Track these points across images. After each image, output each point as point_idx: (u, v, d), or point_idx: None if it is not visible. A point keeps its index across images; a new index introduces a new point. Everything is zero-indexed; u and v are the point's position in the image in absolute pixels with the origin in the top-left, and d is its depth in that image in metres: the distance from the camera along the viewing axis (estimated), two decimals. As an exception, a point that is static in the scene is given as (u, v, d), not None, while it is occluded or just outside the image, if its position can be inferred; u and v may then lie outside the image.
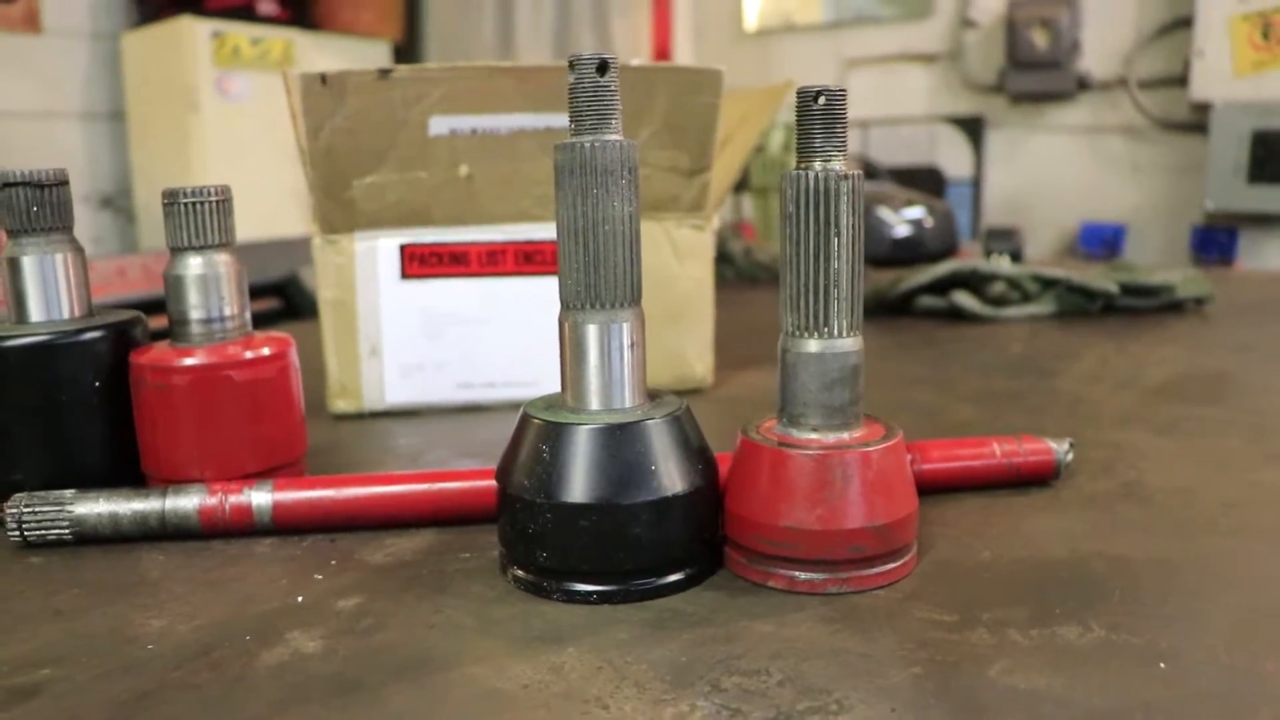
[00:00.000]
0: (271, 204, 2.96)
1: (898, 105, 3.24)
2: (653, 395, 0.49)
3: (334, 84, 0.67)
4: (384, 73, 0.68)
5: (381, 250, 0.74)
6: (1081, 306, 1.10)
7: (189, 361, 0.54)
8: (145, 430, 0.55)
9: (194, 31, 2.90)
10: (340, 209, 0.72)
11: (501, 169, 0.73)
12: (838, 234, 0.46)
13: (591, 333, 0.46)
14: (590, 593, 0.46)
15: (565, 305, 0.47)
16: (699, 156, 0.75)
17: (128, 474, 0.57)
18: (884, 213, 1.51)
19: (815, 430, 0.47)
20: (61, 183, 0.56)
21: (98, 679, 0.40)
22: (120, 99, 3.16)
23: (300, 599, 0.46)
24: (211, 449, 0.55)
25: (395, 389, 0.76)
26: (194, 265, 0.55)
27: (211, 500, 0.52)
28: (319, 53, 3.15)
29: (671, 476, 0.46)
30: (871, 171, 1.73)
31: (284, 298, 1.39)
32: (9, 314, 0.57)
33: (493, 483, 0.53)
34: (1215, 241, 2.38)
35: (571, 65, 0.45)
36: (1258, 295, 1.29)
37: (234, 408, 0.55)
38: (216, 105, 2.95)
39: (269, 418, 0.56)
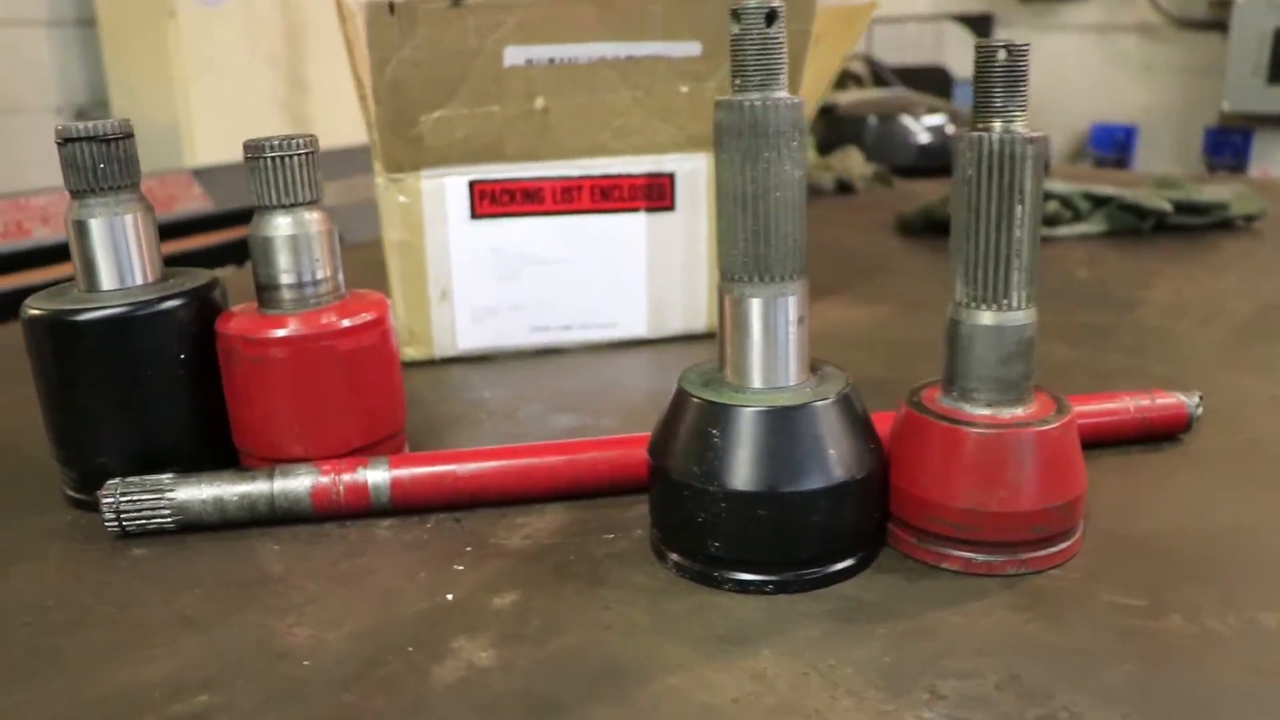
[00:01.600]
0: (257, 113, 2.82)
1: (903, 2, 3.14)
2: (813, 367, 0.46)
3: (403, 13, 0.61)
4: (456, 2, 0.62)
5: (450, 188, 0.69)
6: (1133, 225, 1.07)
7: (285, 332, 0.50)
8: (239, 405, 0.51)
9: None
10: (406, 146, 0.67)
11: (579, 101, 0.68)
12: (1021, 200, 0.42)
13: (756, 307, 0.43)
14: (764, 583, 0.43)
15: (726, 276, 0.43)
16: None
17: (218, 449, 0.53)
18: (906, 120, 1.46)
19: (989, 405, 0.44)
20: (127, 135, 0.51)
21: (262, 707, 0.36)
22: (90, 5, 2.98)
23: (450, 596, 0.43)
24: (313, 423, 0.51)
25: (467, 334, 0.72)
26: (283, 225, 0.50)
27: (324, 480, 0.49)
28: None
29: (847, 460, 0.43)
30: (879, 75, 1.68)
31: None
32: (79, 281, 0.52)
33: (628, 454, 0.50)
34: (1229, 144, 2.35)
35: (736, 15, 0.40)
36: None
37: (336, 379, 0.51)
38: (194, 10, 2.79)
39: (372, 387, 0.52)
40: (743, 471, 0.42)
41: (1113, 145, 2.49)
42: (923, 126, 1.47)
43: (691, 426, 0.43)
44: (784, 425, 0.42)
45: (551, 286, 0.71)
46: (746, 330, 0.43)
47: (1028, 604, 0.42)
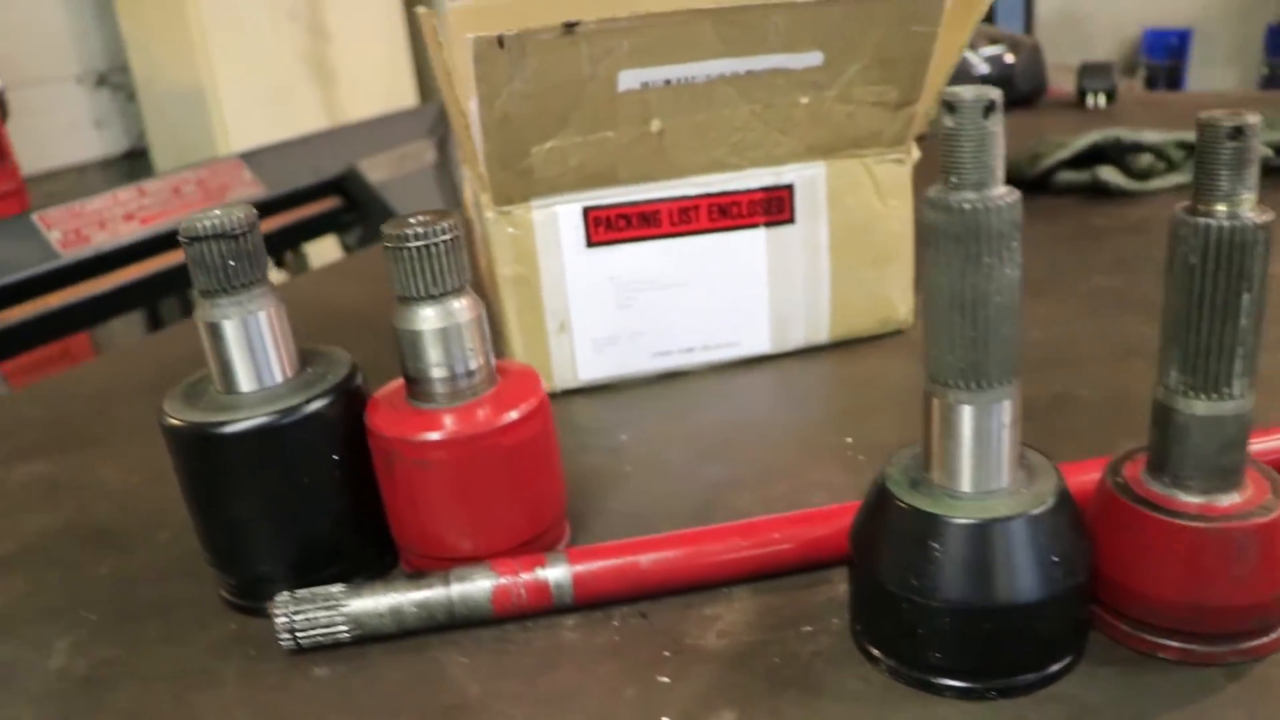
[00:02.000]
0: (281, 69, 2.74)
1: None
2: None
3: (513, 45, 0.57)
4: (569, 27, 0.58)
5: (562, 217, 0.65)
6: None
7: (444, 434, 0.47)
8: (401, 506, 0.49)
9: None
10: (516, 179, 0.63)
11: (696, 120, 0.64)
12: (1249, 289, 0.39)
13: (969, 414, 0.40)
14: (986, 690, 0.41)
15: (936, 380, 0.40)
16: (909, 89, 0.67)
17: (378, 545, 0.51)
18: (964, 54, 1.40)
19: (1204, 493, 0.42)
20: (252, 226, 0.48)
21: None
22: None
23: (665, 719, 0.41)
24: (481, 520, 0.49)
25: (588, 364, 0.69)
26: (431, 318, 0.48)
27: (504, 582, 0.47)
28: None
29: (1069, 564, 0.41)
30: None
31: (343, 194, 1.28)
32: (215, 380, 0.49)
33: (816, 535, 0.49)
34: (1294, 43, 2.26)
35: (950, 107, 0.37)
36: None
37: (501, 475, 0.49)
38: None
39: (537, 477, 0.50)
40: (968, 587, 0.40)
41: (1166, 52, 2.38)
42: (981, 58, 1.41)
43: (906, 534, 0.41)
44: (1008, 538, 0.40)
45: (671, 310, 0.68)
46: (958, 437, 0.41)
47: (1256, 697, 0.40)
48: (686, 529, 0.50)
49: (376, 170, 1.30)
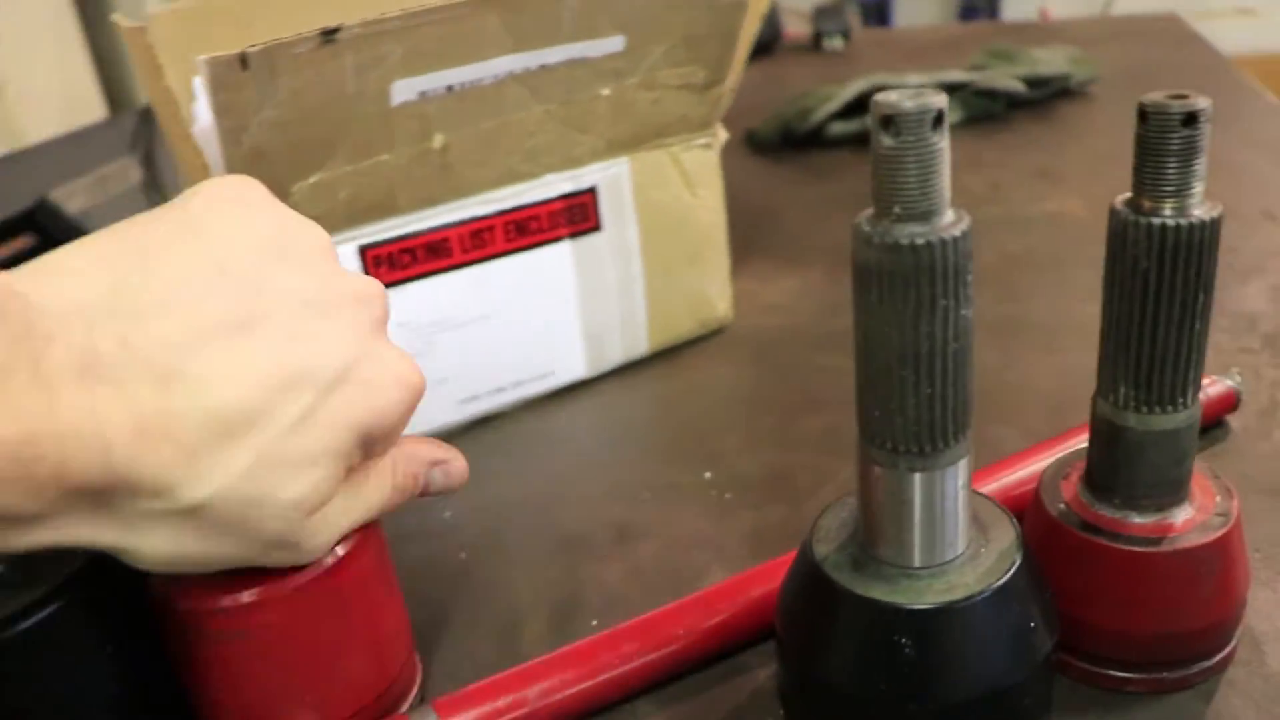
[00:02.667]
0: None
1: None
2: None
3: (259, 65, 0.46)
4: (328, 35, 0.47)
5: (338, 261, 0.54)
6: (988, 109, 1.02)
7: (258, 591, 0.36)
8: (214, 691, 0.38)
9: None
10: (277, 222, 0.52)
11: (484, 127, 0.54)
12: (1206, 291, 0.35)
13: (921, 482, 0.34)
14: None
15: (877, 444, 0.34)
16: (717, 68, 0.59)
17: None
18: None
19: (1159, 510, 0.38)
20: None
21: None
22: None
23: None
24: (324, 681, 0.38)
25: (387, 428, 0.58)
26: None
27: None
28: None
29: (1048, 623, 0.36)
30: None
31: (37, 231, 1.07)
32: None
33: (714, 624, 0.42)
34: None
35: (888, 123, 0.30)
36: (1127, 61, 1.22)
37: (339, 624, 0.38)
38: None
39: (381, 614, 0.40)
40: (952, 681, 0.34)
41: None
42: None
43: (865, 631, 0.35)
44: (986, 615, 0.34)
45: (475, 349, 0.59)
46: (910, 508, 0.34)
47: (1236, 710, 0.37)
48: (564, 645, 0.41)
49: (74, 199, 1.10)
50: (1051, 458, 0.50)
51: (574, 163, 0.59)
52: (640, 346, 0.65)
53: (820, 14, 1.38)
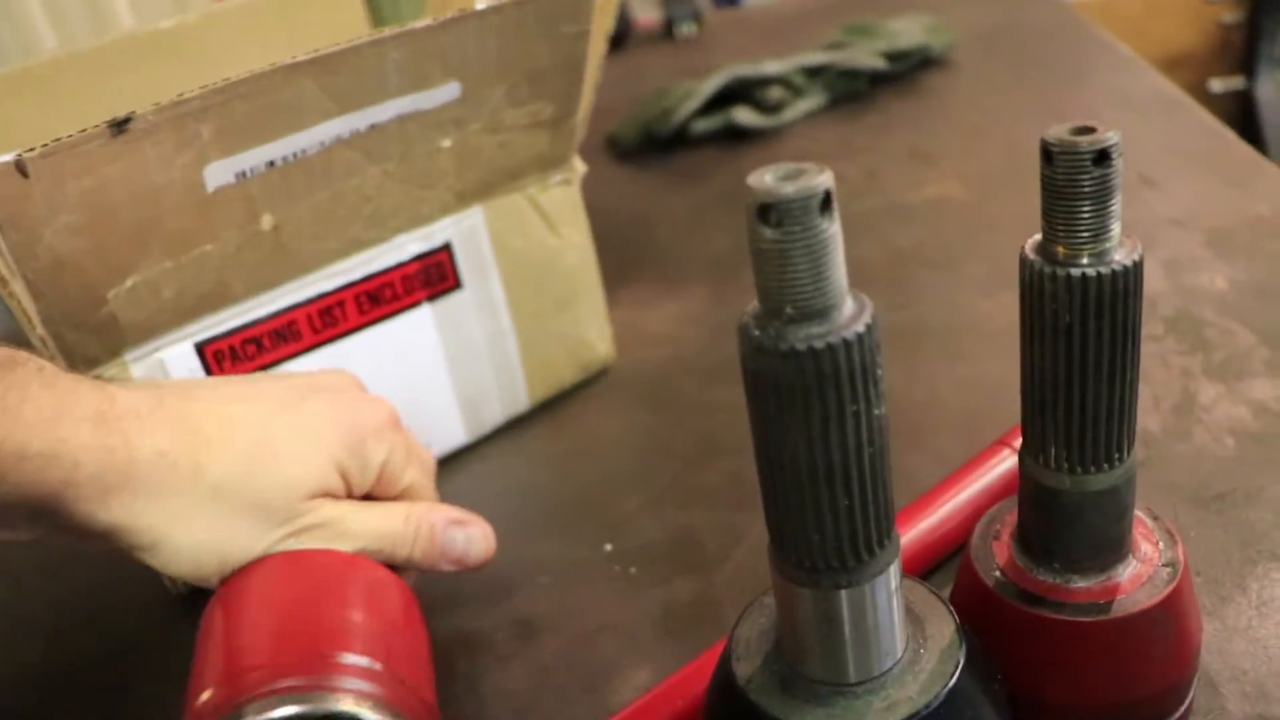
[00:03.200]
0: None
1: None
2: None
3: (42, 171, 0.40)
4: (119, 126, 0.41)
5: (170, 362, 0.48)
6: (851, 89, 1.00)
7: None
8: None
9: None
10: (92, 336, 0.46)
11: (317, 200, 0.49)
12: (1133, 339, 0.32)
13: (848, 599, 0.30)
14: None
15: (799, 568, 0.30)
16: (565, 102, 0.54)
17: None
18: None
19: (1103, 570, 0.35)
20: None
21: None
22: None
23: None
24: None
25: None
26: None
27: None
28: None
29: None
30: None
31: None
32: None
33: None
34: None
35: (767, 213, 0.25)
36: (980, 23, 1.20)
37: None
38: None
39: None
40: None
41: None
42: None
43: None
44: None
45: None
46: (838, 627, 0.30)
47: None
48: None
49: None
50: (970, 490, 0.48)
51: (423, 220, 0.54)
52: (521, 403, 0.61)
53: (670, 0, 1.34)
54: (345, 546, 0.40)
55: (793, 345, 0.26)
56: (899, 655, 0.32)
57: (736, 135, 0.95)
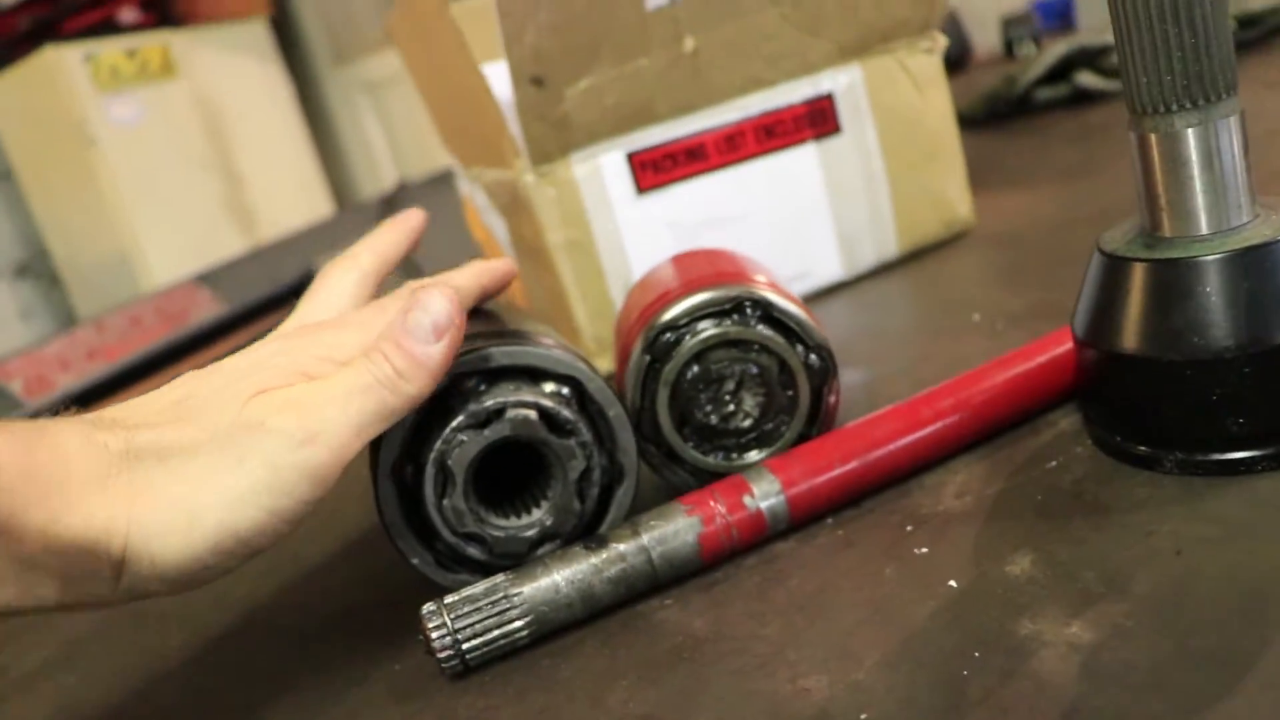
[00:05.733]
0: (202, 219, 2.67)
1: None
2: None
3: (532, -30, 0.53)
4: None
5: (607, 167, 0.60)
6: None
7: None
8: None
9: (63, 60, 2.53)
10: (552, 131, 0.58)
11: (727, 32, 0.60)
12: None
13: (1196, 137, 0.35)
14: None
15: (1151, 111, 0.35)
16: (931, -35, 0.63)
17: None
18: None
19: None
20: None
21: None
22: (3, 157, 2.77)
23: (953, 583, 0.34)
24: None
25: (661, 326, 0.63)
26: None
27: (712, 528, 0.39)
28: (198, 48, 2.82)
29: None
30: None
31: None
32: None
33: (1027, 375, 0.43)
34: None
35: None
36: None
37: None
38: (113, 133, 2.61)
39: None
40: (1263, 321, 0.34)
41: (1057, 16, 2.34)
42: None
43: (1165, 293, 0.35)
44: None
45: (737, 248, 0.63)
46: (1189, 168, 0.35)
47: None
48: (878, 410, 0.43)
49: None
50: None
51: (810, 68, 0.63)
52: (890, 248, 0.68)
53: (1009, 23, 1.40)
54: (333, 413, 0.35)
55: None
56: (1246, 217, 0.36)
57: (1079, 100, 1.00)
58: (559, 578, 0.38)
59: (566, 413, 0.39)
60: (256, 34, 3.04)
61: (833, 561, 0.38)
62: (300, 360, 0.37)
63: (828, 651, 0.33)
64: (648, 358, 0.42)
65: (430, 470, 0.38)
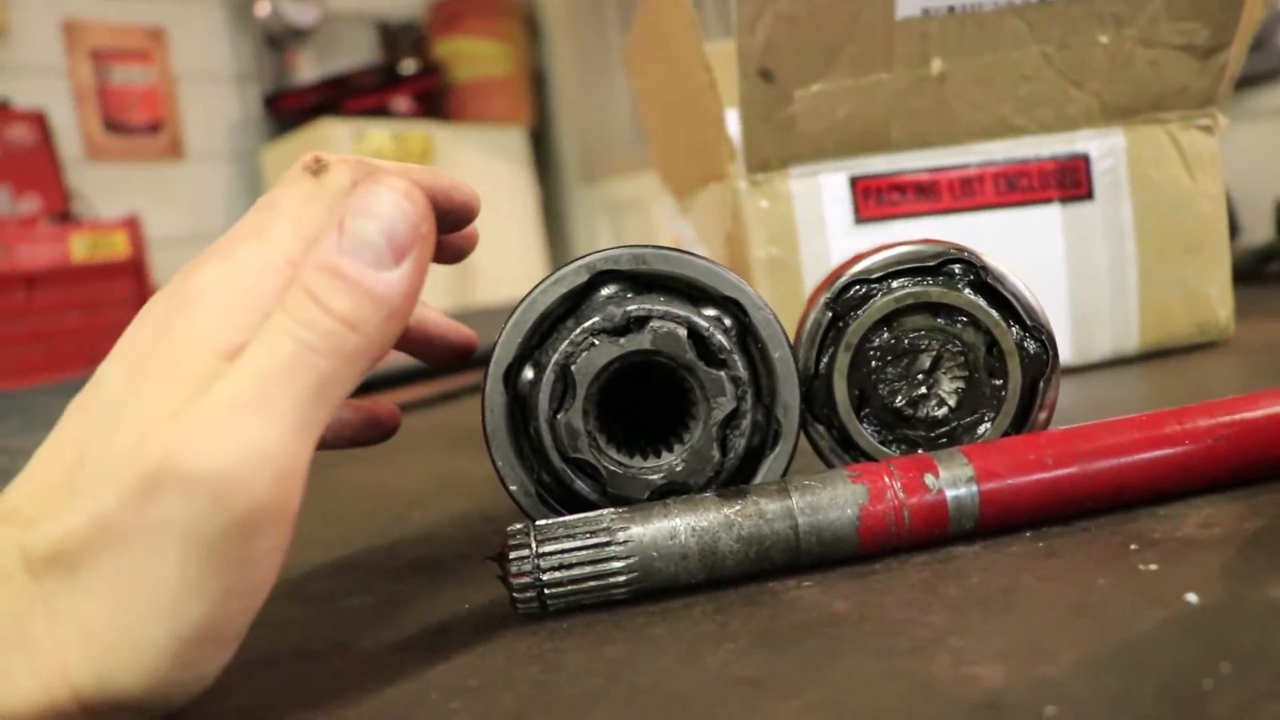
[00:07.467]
0: (430, 296, 2.79)
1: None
2: None
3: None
4: (848, -67, 0.50)
5: (826, 188, 0.55)
6: None
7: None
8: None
9: (335, 134, 2.75)
10: (774, 134, 0.54)
11: (980, 63, 0.55)
12: None
13: None
14: None
15: None
16: (1221, 30, 0.57)
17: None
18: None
19: None
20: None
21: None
22: None
23: (1192, 598, 0.26)
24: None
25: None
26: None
27: (877, 506, 0.32)
28: (456, 143, 3.01)
29: None
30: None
31: None
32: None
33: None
34: None
35: None
36: None
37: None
38: None
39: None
40: None
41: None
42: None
43: None
44: None
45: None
46: None
47: None
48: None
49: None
50: None
51: (1067, 123, 0.57)
52: (1131, 341, 0.60)
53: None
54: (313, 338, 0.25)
55: None
56: None
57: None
58: (679, 522, 0.31)
59: (722, 338, 0.33)
60: (514, 140, 3.21)
61: (1028, 565, 0.30)
62: (182, 358, 0.25)
63: (1010, 644, 0.25)
64: (830, 314, 0.36)
65: (549, 376, 0.33)
